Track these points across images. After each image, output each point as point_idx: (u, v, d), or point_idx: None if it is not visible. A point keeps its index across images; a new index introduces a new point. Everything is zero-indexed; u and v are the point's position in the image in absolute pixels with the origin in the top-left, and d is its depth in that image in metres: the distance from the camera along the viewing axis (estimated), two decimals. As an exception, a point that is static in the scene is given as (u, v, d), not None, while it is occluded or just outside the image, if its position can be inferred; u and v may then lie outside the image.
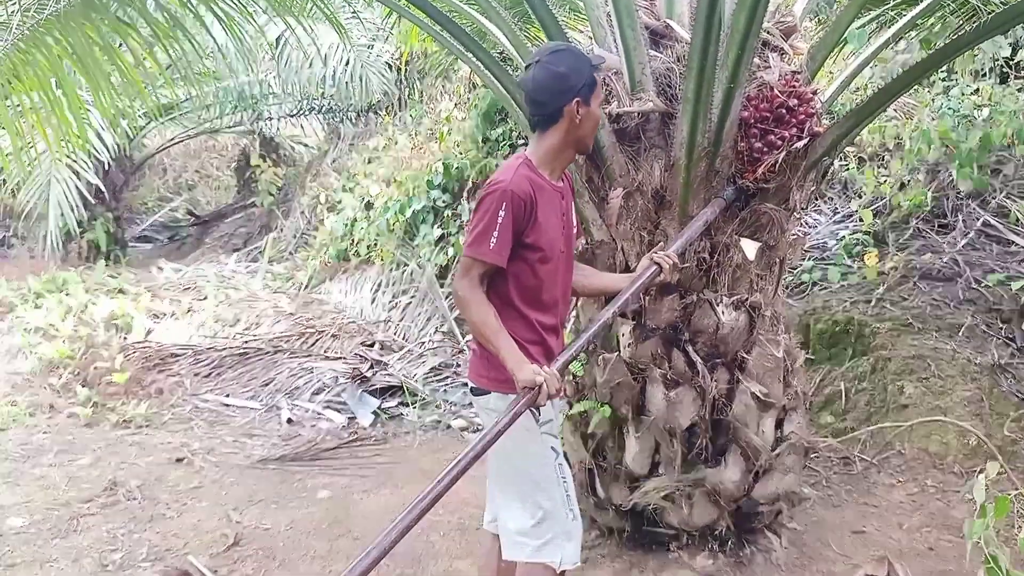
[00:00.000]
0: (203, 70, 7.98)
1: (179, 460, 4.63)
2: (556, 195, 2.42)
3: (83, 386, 5.73)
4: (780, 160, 2.94)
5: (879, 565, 3.18)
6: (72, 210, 8.47)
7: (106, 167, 10.13)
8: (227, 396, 5.77)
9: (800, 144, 2.97)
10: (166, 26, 4.14)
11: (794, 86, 2.98)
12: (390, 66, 9.47)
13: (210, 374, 6.11)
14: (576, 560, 2.44)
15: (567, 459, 2.57)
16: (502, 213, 2.26)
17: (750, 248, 3.12)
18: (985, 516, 2.90)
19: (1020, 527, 3.34)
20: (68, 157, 7.99)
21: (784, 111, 2.95)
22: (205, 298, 8.16)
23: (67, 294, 7.98)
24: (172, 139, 12.53)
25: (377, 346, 6.48)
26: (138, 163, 12.21)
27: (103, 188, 10.20)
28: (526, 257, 2.35)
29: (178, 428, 5.23)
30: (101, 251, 10.66)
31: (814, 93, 3.05)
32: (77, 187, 8.57)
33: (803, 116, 2.97)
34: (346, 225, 8.63)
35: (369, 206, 8.48)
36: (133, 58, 4.34)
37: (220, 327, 7.24)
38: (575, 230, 2.60)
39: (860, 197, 5.86)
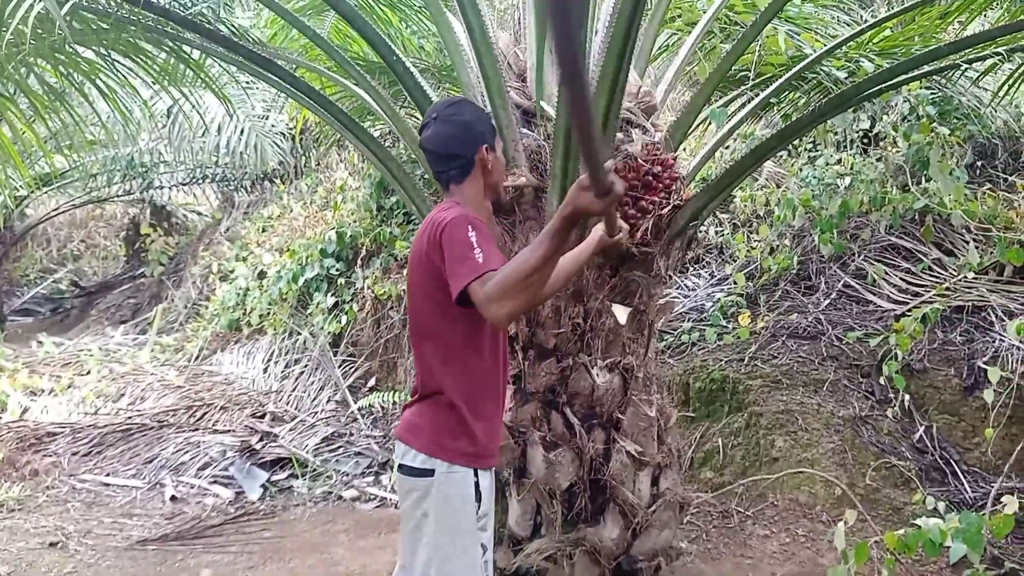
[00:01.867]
0: (87, 140, 7.83)
1: (52, 544, 4.41)
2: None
3: (-50, 470, 5.42)
4: (652, 224, 3.14)
5: (752, 615, 3.33)
6: (-56, 283, 8.10)
7: (-17, 238, 9.78)
8: (107, 475, 5.54)
9: (668, 208, 3.18)
10: (46, 100, 4.10)
11: (656, 154, 3.20)
12: (284, 135, 9.49)
13: (90, 452, 5.86)
14: None
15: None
16: (471, 231, 2.08)
17: (621, 313, 3.29)
18: (846, 562, 3.10)
19: (881, 572, 3.54)
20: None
21: (651, 178, 3.17)
22: (87, 373, 7.84)
23: (-64, 372, 7.55)
24: (56, 208, 12.15)
25: (268, 417, 6.36)
26: (19, 234, 11.78)
27: (-22, 260, 9.81)
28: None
29: (53, 511, 4.99)
30: (-24, 326, 10.18)
31: (674, 159, 3.29)
32: (-50, 259, 8.22)
33: (668, 180, 3.20)
34: (239, 294, 8.51)
35: (262, 275, 8.39)
36: (11, 131, 4.27)
37: (102, 403, 6.96)
38: None
39: (734, 261, 6.20)
